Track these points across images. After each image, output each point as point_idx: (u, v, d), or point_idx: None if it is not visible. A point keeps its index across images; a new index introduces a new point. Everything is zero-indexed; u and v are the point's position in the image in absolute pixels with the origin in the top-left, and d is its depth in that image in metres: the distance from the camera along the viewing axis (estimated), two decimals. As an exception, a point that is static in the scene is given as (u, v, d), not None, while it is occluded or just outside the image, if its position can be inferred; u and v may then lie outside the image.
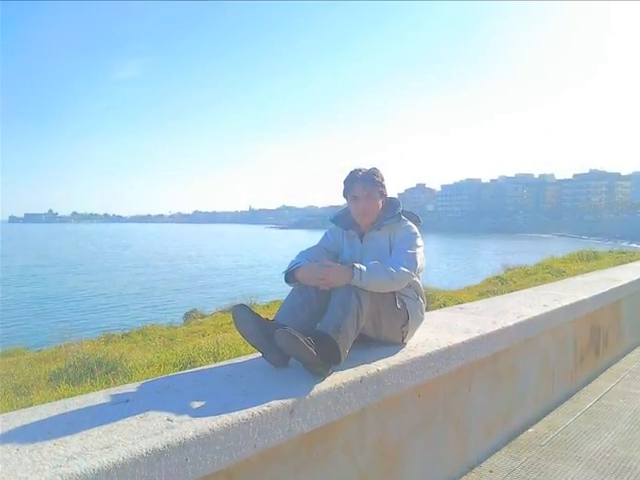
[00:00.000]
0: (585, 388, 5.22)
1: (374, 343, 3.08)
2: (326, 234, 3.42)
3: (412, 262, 3.03)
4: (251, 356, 2.99)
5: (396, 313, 3.04)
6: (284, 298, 3.01)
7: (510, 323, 3.99)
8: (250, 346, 2.82)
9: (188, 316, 17.12)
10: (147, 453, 1.75)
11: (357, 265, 2.82)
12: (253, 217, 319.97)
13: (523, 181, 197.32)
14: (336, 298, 2.76)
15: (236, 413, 2.07)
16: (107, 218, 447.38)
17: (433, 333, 3.53)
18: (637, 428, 4.22)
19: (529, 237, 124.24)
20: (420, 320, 3.27)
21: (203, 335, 11.82)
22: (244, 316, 2.69)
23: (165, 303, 31.74)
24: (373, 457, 2.80)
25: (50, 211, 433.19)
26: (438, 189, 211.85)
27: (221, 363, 2.98)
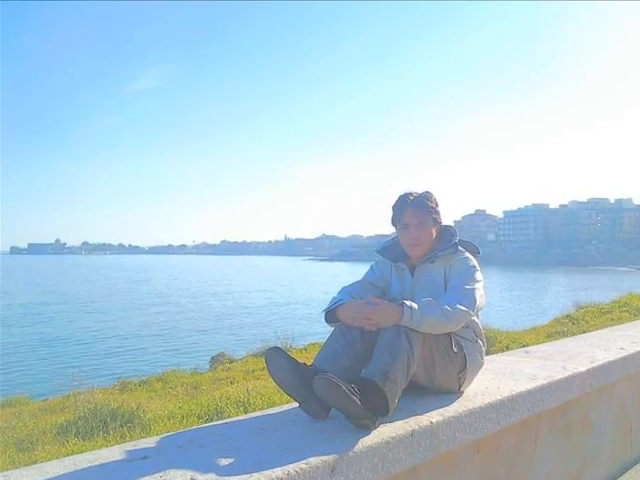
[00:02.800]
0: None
1: (427, 391, 3.06)
2: (372, 267, 3.43)
3: (470, 299, 3.02)
4: (286, 407, 2.99)
5: (452, 357, 3.02)
6: (324, 340, 3.02)
7: (582, 369, 3.94)
8: (285, 395, 2.82)
9: (215, 361, 17.14)
10: (168, 517, 1.75)
11: (407, 303, 2.82)
12: (289, 247, 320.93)
13: (597, 207, 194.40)
14: (384, 340, 2.76)
15: (269, 471, 2.07)
16: (122, 249, 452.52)
17: (494, 380, 3.51)
18: None
19: (604, 270, 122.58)
20: (479, 365, 3.24)
21: (232, 382, 11.84)
22: (278, 361, 2.69)
23: (188, 346, 31.76)
24: (426, 524, 2.77)
25: (57, 241, 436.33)
26: (500, 216, 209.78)
27: (252, 414, 3.00)
